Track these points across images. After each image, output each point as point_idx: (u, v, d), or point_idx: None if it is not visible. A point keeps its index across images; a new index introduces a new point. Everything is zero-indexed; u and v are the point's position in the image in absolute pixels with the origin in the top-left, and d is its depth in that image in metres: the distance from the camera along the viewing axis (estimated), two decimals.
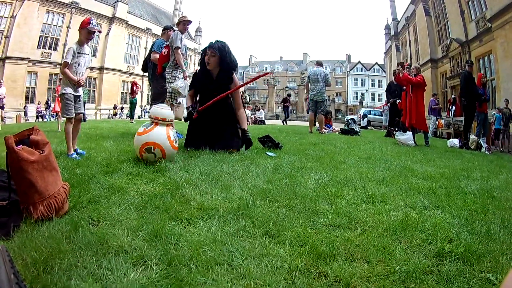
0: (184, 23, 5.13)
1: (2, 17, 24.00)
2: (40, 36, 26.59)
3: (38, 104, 25.20)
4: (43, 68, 26.71)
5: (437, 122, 14.06)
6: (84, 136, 5.44)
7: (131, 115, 14.31)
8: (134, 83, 14.93)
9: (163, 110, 3.03)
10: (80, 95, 3.56)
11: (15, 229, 1.60)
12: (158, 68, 5.34)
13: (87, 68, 3.60)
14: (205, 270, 1.27)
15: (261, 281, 1.20)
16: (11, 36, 23.92)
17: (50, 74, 27.25)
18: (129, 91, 15.61)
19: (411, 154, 4.32)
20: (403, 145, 5.94)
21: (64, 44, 26.83)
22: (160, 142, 2.86)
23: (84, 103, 13.39)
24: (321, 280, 1.21)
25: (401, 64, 8.19)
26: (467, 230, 1.70)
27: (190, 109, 3.73)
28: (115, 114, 29.43)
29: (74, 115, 3.46)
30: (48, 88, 27.10)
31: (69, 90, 3.40)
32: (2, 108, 7.16)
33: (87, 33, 3.42)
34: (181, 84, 4.95)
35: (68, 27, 28.09)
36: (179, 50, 4.83)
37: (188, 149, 3.66)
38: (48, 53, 27.32)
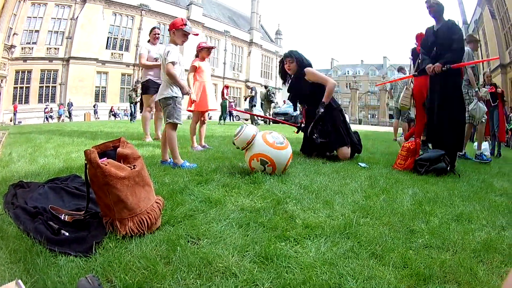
0: None
1: (61, 19, 25.26)
2: (108, 37, 27.67)
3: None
4: (114, 69, 27.83)
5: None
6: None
7: (222, 117, 14.68)
8: (226, 86, 15.32)
9: (246, 131, 2.86)
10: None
11: (97, 245, 1.48)
12: None
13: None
14: None
15: None
16: (75, 37, 25.20)
17: (123, 75, 28.48)
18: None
19: (488, 167, 4.42)
20: None
21: (137, 46, 27.55)
22: (271, 156, 2.79)
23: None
24: None
25: None
26: None
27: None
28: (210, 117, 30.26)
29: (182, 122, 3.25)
30: (121, 88, 28.30)
31: (179, 93, 3.17)
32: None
33: (182, 35, 3.14)
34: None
35: (139, 29, 28.84)
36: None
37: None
38: (119, 54, 28.29)
